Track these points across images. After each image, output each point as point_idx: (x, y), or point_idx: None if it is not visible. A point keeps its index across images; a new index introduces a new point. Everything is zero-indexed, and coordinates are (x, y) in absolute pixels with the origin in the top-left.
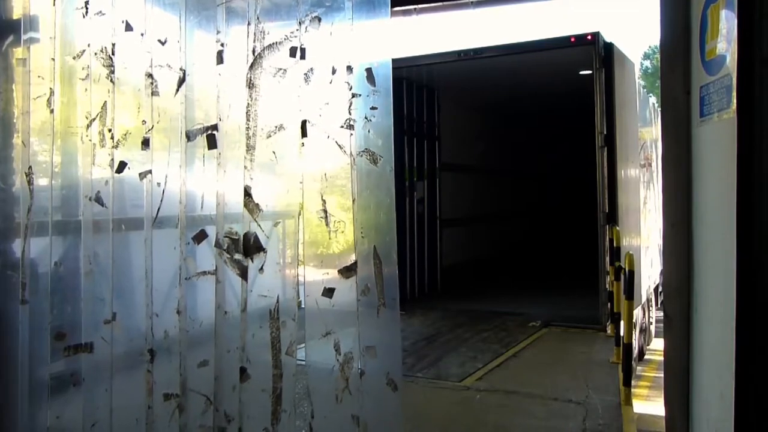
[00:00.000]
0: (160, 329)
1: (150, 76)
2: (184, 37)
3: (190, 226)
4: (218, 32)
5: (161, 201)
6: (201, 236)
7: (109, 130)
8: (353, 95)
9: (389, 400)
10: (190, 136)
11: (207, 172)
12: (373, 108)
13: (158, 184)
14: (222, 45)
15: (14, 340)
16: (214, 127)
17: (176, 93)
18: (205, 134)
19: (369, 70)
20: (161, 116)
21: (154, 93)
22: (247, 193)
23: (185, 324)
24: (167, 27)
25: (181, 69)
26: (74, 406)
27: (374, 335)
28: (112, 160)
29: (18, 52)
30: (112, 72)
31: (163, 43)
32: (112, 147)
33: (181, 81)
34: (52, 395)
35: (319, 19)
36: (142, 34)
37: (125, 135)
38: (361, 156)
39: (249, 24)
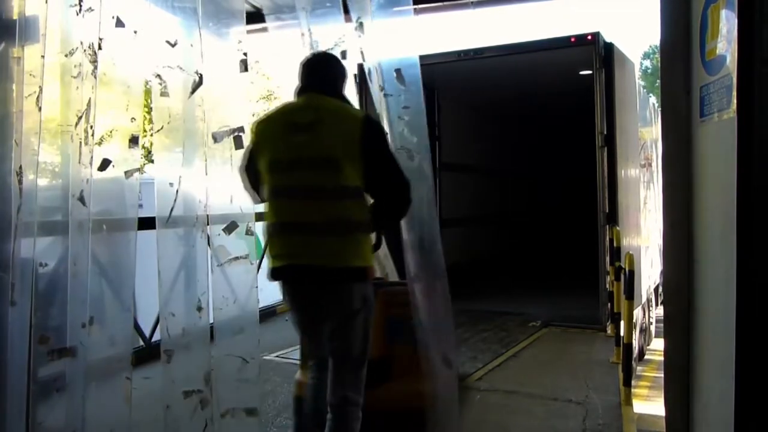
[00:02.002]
0: (172, 327)
1: (159, 76)
2: (200, 41)
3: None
4: (240, 42)
5: (174, 201)
6: (232, 227)
7: (102, 129)
8: (385, 95)
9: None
10: (216, 138)
11: (221, 172)
12: (405, 107)
13: (171, 184)
14: (245, 54)
15: (3, 341)
16: (241, 129)
17: (190, 95)
18: (231, 136)
19: (398, 71)
20: (171, 117)
21: (163, 94)
22: None
23: (206, 319)
24: (177, 30)
25: (197, 72)
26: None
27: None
28: (93, 158)
29: (15, 51)
30: (95, 71)
31: (173, 45)
32: (98, 146)
33: (197, 84)
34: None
35: (362, 24)
36: (133, 32)
37: (110, 132)
38: (400, 153)
39: (303, 35)
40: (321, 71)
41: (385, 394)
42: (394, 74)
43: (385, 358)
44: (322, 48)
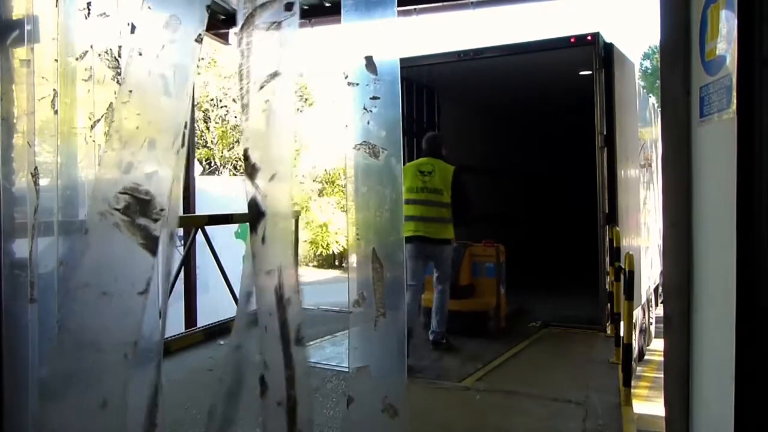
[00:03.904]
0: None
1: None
2: (192, 40)
3: None
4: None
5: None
6: None
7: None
8: (349, 84)
9: (386, 429)
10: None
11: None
12: (374, 98)
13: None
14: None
15: (24, 338)
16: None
17: (179, 93)
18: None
19: (369, 58)
20: (159, 116)
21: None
22: (246, 157)
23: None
24: (170, 28)
25: (185, 71)
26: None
27: (370, 351)
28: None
29: (20, 53)
30: (117, 77)
31: (163, 45)
32: (121, 148)
33: (185, 83)
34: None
35: (316, 19)
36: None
37: (131, 136)
38: (359, 149)
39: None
40: (433, 145)
41: (470, 303)
42: (364, 61)
43: (470, 284)
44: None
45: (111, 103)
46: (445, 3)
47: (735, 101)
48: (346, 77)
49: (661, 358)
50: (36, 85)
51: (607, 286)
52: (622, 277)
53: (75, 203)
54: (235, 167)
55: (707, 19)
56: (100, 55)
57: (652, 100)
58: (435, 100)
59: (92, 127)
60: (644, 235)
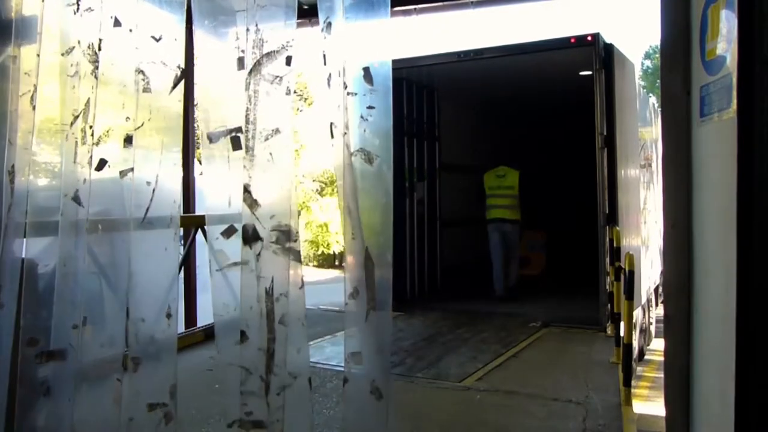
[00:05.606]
0: (141, 334)
1: (142, 72)
2: (184, 36)
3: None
4: (237, 38)
5: (150, 201)
6: (231, 231)
7: (100, 129)
8: (348, 94)
9: (372, 408)
10: (212, 138)
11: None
12: (369, 107)
13: (147, 183)
14: (242, 52)
15: None
16: (238, 129)
17: (171, 90)
18: (229, 136)
19: (366, 69)
20: (152, 114)
21: (145, 90)
22: (246, 190)
23: (175, 328)
24: (165, 25)
25: (179, 67)
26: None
27: (361, 340)
28: (93, 157)
29: (11, 50)
30: (96, 71)
31: (157, 40)
32: (95, 146)
33: (179, 79)
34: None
35: (316, 19)
36: (129, 31)
37: (107, 132)
38: (356, 155)
39: (248, 30)
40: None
41: (526, 269)
42: (362, 72)
43: (527, 256)
44: (267, 49)
45: (88, 98)
46: (445, 3)
47: (735, 101)
48: (346, 87)
49: (661, 358)
50: (20, 82)
51: (607, 286)
52: (622, 277)
53: (58, 202)
54: None
55: (707, 18)
56: (83, 50)
57: (652, 100)
58: (435, 101)
59: (72, 123)
60: (644, 235)
